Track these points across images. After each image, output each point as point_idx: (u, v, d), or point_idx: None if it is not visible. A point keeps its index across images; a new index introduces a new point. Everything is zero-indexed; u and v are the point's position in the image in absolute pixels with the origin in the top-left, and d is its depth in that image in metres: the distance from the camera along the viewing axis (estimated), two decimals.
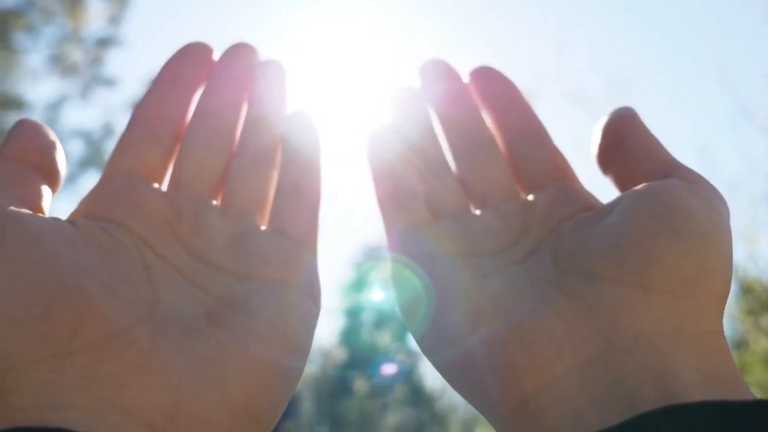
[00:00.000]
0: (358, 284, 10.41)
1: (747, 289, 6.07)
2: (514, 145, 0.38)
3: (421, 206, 0.37)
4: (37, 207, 0.31)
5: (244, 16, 18.40)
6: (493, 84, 0.40)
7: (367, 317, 10.19)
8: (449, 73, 0.41)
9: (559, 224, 0.34)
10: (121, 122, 6.35)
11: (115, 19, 6.44)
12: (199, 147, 0.36)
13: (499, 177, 0.37)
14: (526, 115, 0.39)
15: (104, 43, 6.44)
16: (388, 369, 9.54)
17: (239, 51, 0.39)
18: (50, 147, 0.32)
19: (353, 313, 10.25)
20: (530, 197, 0.36)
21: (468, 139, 0.39)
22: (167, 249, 0.32)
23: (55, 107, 6.34)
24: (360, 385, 9.16)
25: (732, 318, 6.28)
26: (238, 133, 0.38)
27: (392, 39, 16.15)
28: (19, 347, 0.25)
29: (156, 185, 0.34)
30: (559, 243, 0.33)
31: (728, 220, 0.32)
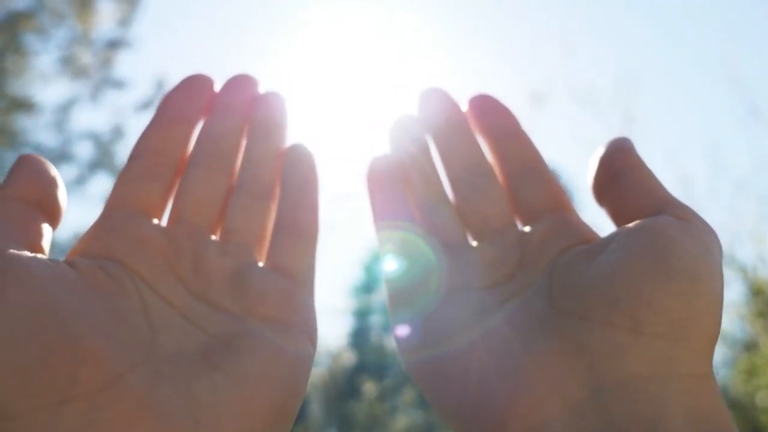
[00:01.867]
0: (367, 285, 10.40)
1: (757, 291, 6.03)
2: (513, 176, 0.38)
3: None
4: (37, 247, 0.31)
5: (252, 16, 18.42)
6: (491, 114, 0.40)
7: (375, 319, 10.18)
8: (448, 102, 0.41)
9: (555, 257, 0.34)
10: (130, 124, 6.37)
11: (125, 21, 6.46)
12: (199, 182, 0.36)
13: (497, 208, 0.38)
14: (524, 145, 0.39)
15: (114, 45, 6.46)
16: None
17: (239, 83, 0.39)
18: (51, 184, 0.32)
19: (362, 315, 10.24)
20: (527, 228, 0.36)
21: (466, 169, 0.39)
22: (166, 287, 0.32)
23: (64, 109, 6.35)
24: (369, 387, 9.16)
25: (742, 320, 6.25)
26: (238, 166, 0.38)
27: (401, 37, 16.16)
28: (18, 395, 0.25)
29: (156, 221, 0.35)
30: (554, 278, 0.33)
31: (720, 259, 0.32)
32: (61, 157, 6.24)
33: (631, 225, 0.32)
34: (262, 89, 0.40)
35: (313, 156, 0.39)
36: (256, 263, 0.35)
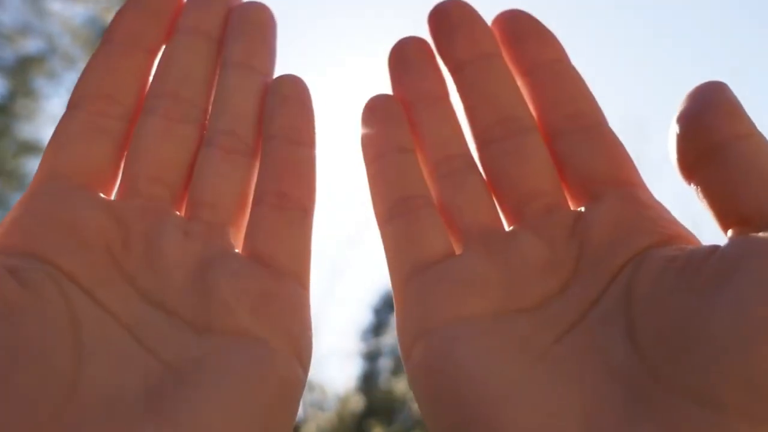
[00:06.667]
0: (376, 328, 10.35)
1: None
2: (561, 134, 0.28)
3: (436, 227, 0.27)
4: None
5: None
6: (528, 40, 0.28)
7: (384, 362, 10.12)
8: (473, 21, 0.29)
9: (627, 264, 0.24)
10: None
11: None
12: (157, 136, 0.27)
13: (542, 178, 0.27)
14: (576, 90, 0.28)
15: None
16: None
17: None
18: None
19: (371, 358, 10.18)
20: (582, 209, 0.26)
21: (500, 121, 0.28)
22: (108, 291, 0.24)
23: None
24: None
25: None
26: (209, 111, 0.29)
27: None
28: None
29: (101, 195, 0.27)
30: (636, 308, 0.23)
31: None
32: None
33: (757, 248, 0.21)
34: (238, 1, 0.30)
35: (308, 91, 0.29)
36: (230, 249, 0.26)
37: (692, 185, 0.24)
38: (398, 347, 0.27)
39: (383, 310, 9.89)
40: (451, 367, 0.24)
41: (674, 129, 0.24)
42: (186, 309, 0.24)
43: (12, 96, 6.02)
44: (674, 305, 0.22)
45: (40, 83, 6.21)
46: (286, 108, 0.28)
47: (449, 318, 0.25)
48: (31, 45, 6.07)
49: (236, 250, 0.26)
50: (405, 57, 0.29)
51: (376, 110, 0.28)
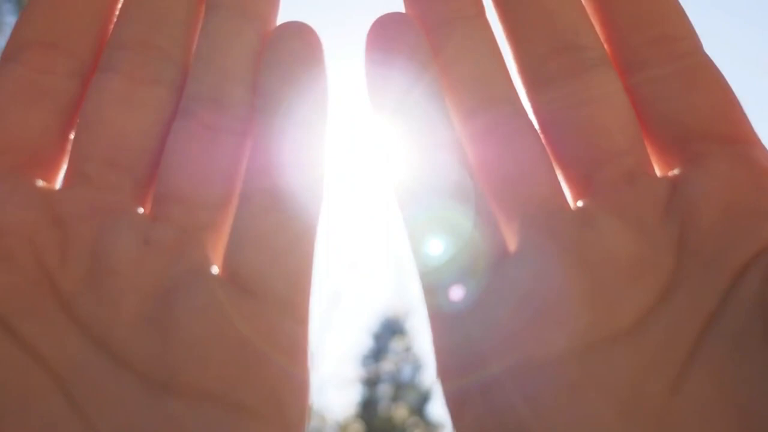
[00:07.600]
0: (376, 354, 10.31)
1: None
2: (642, 68, 0.19)
3: (481, 210, 0.18)
4: None
5: None
6: None
7: (384, 388, 10.07)
8: None
9: (755, 259, 0.17)
10: None
11: None
12: (118, 101, 0.20)
13: (617, 131, 0.19)
14: (661, 4, 0.19)
15: None
16: None
17: None
18: None
19: (370, 384, 10.13)
20: (676, 174, 0.19)
21: (557, 51, 0.19)
22: (37, 325, 0.17)
23: None
24: None
25: None
26: (188, 69, 0.21)
27: None
28: None
29: (39, 183, 0.19)
30: None
31: None
32: None
33: None
34: None
35: (319, 44, 0.21)
36: (204, 267, 0.19)
37: None
38: (444, 402, 0.18)
39: (383, 335, 9.82)
40: None
41: None
42: (138, 355, 0.17)
43: None
44: None
45: None
46: (295, 66, 0.20)
47: (516, 361, 0.17)
48: None
49: (213, 268, 0.19)
50: None
51: (387, 35, 0.20)
